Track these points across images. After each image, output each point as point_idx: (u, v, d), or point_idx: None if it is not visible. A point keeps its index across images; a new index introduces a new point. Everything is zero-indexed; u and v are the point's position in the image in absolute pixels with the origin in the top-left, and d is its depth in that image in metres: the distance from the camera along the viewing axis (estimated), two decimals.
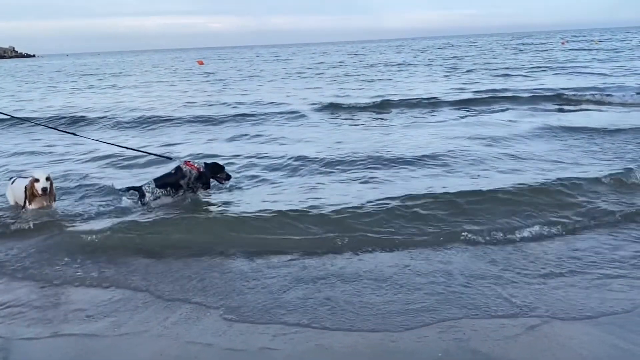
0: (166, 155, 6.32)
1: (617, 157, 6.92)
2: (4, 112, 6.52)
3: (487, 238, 4.64)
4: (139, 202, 5.69)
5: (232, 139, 9.88)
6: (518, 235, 4.68)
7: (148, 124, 12.11)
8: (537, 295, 3.66)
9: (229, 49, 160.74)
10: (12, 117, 7.83)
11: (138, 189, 5.75)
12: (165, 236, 4.94)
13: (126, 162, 7.80)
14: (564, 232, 4.73)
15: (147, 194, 5.67)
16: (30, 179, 5.39)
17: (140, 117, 12.94)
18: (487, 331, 3.25)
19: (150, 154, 6.79)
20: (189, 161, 5.88)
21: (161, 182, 5.74)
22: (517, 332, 3.24)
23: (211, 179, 5.91)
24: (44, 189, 5.27)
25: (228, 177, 6.03)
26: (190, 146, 9.10)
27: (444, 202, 5.38)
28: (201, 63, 50.06)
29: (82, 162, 8.21)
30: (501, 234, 4.71)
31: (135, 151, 6.90)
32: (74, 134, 6.69)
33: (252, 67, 38.28)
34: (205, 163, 5.93)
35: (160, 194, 5.69)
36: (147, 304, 3.75)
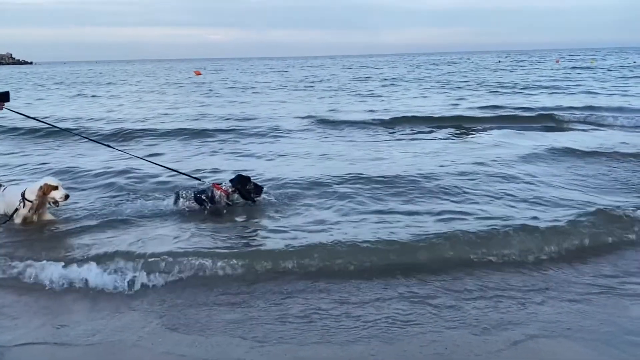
0: (195, 176, 6.21)
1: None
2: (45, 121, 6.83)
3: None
4: (175, 203, 5.73)
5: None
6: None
7: (122, 137, 11.45)
8: (522, 311, 3.60)
9: (226, 61, 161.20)
10: (53, 126, 8.14)
11: (175, 197, 5.79)
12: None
13: (153, 180, 7.30)
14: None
15: (181, 199, 5.70)
16: (35, 186, 5.17)
17: (116, 129, 12.38)
18: (470, 346, 3.19)
19: (179, 172, 6.58)
20: (217, 183, 5.79)
21: (197, 197, 5.73)
22: (500, 348, 3.18)
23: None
24: (67, 196, 5.18)
25: (259, 190, 5.73)
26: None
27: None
28: (198, 73, 50.14)
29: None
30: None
31: (165, 169, 6.76)
32: (109, 146, 6.94)
33: (247, 79, 38.39)
34: (230, 181, 5.77)
35: (192, 205, 5.67)
36: (123, 314, 3.66)
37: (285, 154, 9.09)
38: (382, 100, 18.92)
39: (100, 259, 4.30)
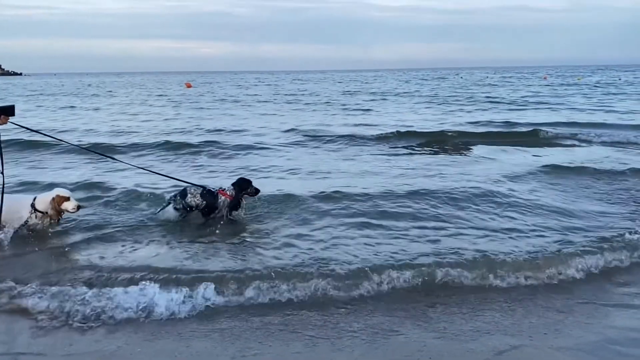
0: (200, 184, 6.04)
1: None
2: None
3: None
4: (180, 202, 5.61)
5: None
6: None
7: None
8: (506, 321, 3.59)
9: (218, 74, 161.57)
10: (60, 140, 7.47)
11: (182, 190, 5.70)
12: None
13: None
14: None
15: (189, 195, 5.61)
16: (47, 197, 5.14)
17: (89, 143, 11.64)
18: (454, 356, 3.18)
19: (182, 181, 6.33)
20: (222, 189, 5.77)
21: (206, 195, 5.68)
22: (486, 357, 3.16)
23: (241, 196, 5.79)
24: (79, 207, 5.21)
25: (257, 191, 5.86)
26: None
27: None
28: (189, 86, 50.08)
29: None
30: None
31: (168, 178, 6.56)
32: (113, 158, 6.79)
33: (236, 91, 38.36)
34: (232, 184, 5.81)
35: (199, 202, 5.62)
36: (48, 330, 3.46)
37: (263, 168, 8.92)
38: (370, 115, 18.96)
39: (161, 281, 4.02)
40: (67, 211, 5.17)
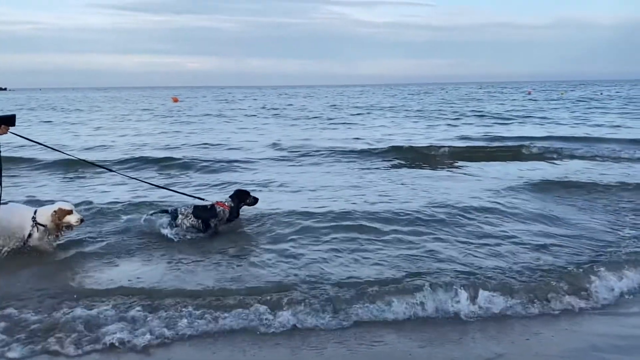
0: (197, 196, 6.05)
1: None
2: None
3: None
4: (172, 223, 5.58)
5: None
6: None
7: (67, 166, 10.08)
8: (490, 328, 3.60)
9: (205, 89, 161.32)
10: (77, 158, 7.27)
11: (173, 211, 5.69)
12: None
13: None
14: None
15: (180, 216, 5.60)
16: (48, 210, 4.99)
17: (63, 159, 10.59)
18: None
19: (181, 193, 6.37)
20: (220, 201, 5.83)
21: (197, 213, 5.69)
22: None
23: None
24: (82, 220, 5.10)
25: (255, 201, 5.99)
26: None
27: None
28: (176, 100, 49.79)
29: None
30: None
31: (167, 190, 6.53)
32: (111, 170, 6.82)
33: (221, 106, 38.20)
34: (230, 196, 5.88)
35: (194, 222, 5.62)
36: None
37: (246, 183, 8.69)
38: (356, 129, 18.96)
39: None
40: (71, 224, 5.05)
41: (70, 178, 9.15)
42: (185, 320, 3.59)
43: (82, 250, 5.16)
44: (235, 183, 8.52)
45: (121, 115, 29.32)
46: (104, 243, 5.32)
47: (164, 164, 10.63)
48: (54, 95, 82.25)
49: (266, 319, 3.63)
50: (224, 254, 5.05)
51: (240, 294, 3.97)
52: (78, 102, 52.61)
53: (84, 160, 7.42)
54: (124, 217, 6.06)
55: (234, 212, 5.77)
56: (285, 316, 3.67)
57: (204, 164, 10.67)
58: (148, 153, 12.28)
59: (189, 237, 5.50)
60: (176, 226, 5.56)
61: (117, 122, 23.92)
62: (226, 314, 3.67)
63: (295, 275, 4.41)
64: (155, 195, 7.19)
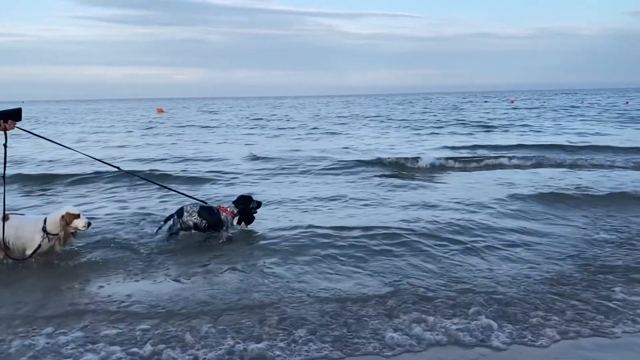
0: (199, 198, 6.01)
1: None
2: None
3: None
4: (177, 221, 5.59)
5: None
6: None
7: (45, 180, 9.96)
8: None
9: (192, 100, 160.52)
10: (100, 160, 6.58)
11: (179, 209, 5.69)
12: None
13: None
14: None
15: (185, 213, 5.60)
16: (56, 217, 4.92)
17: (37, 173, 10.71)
18: None
19: (182, 194, 6.39)
20: (222, 207, 5.82)
21: (202, 213, 5.66)
22: None
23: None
24: (89, 224, 5.07)
25: (259, 205, 5.99)
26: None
27: None
28: (161, 111, 49.46)
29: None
30: None
31: (171, 190, 6.63)
32: (119, 168, 6.37)
33: (206, 117, 37.98)
34: (233, 202, 5.89)
35: (197, 221, 5.61)
36: None
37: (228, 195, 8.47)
38: (339, 138, 18.91)
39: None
40: (78, 229, 5.02)
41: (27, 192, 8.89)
42: None
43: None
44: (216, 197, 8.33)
45: (98, 127, 28.86)
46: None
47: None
48: (35, 108, 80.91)
49: None
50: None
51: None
52: (61, 114, 51.77)
53: (100, 160, 6.37)
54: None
55: (244, 217, 5.77)
56: None
57: (180, 174, 10.51)
58: (127, 166, 11.92)
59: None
60: (181, 223, 5.57)
61: (94, 135, 23.40)
62: None
63: None
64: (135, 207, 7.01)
